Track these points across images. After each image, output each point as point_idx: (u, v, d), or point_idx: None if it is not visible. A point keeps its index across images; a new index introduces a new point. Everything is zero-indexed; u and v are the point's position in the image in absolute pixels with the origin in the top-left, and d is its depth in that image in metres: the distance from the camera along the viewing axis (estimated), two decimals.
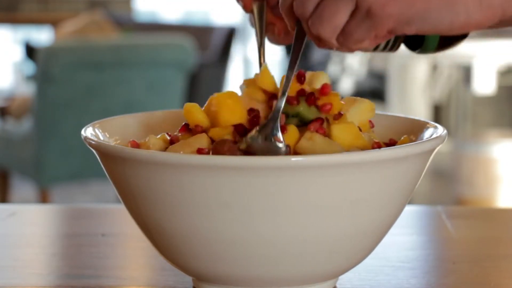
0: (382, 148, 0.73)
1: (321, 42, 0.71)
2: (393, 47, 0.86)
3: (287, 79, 0.74)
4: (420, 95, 4.03)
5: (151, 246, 0.76)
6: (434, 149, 0.73)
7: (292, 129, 0.73)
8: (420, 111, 4.00)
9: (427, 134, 0.79)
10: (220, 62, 4.36)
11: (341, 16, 0.68)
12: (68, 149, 3.29)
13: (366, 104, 0.78)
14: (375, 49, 0.86)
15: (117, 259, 0.93)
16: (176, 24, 5.24)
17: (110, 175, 0.74)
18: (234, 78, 6.04)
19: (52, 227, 1.10)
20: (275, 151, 0.71)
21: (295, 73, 0.75)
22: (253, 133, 0.72)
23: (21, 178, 3.77)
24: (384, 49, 0.86)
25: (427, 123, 0.81)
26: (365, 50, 0.86)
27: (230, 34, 4.44)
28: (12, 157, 3.53)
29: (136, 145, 0.78)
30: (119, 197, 0.75)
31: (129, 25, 4.76)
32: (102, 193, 4.28)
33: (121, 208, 0.78)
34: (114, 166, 0.73)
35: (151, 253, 0.87)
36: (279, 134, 0.72)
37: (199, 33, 4.53)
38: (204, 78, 4.13)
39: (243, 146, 0.72)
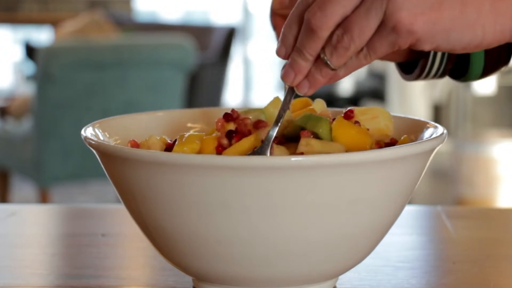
0: (382, 148, 0.73)
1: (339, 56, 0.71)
2: (440, 76, 0.87)
3: (282, 109, 0.74)
4: (420, 95, 4.03)
5: (151, 246, 0.76)
6: (434, 149, 0.73)
7: (279, 149, 0.73)
8: (420, 111, 4.00)
9: (427, 134, 0.79)
10: (220, 62, 4.36)
11: (370, 31, 0.68)
12: (68, 149, 3.29)
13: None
14: (425, 77, 0.87)
15: (117, 259, 0.93)
16: (176, 24, 5.24)
17: (110, 175, 0.74)
18: (234, 78, 6.04)
19: (52, 227, 1.10)
20: None
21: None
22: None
23: (21, 178, 3.77)
24: (432, 78, 0.87)
25: (427, 123, 0.81)
26: (411, 79, 0.88)
27: (230, 34, 4.44)
28: (12, 157, 3.53)
29: (136, 145, 0.78)
30: (119, 197, 0.75)
31: (129, 25, 4.76)
32: (102, 193, 4.28)
33: (121, 208, 0.78)
34: (114, 166, 0.73)
35: (151, 253, 0.88)
36: None
37: (199, 33, 4.53)
38: (204, 78, 4.13)
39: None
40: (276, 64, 6.25)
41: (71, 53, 3.25)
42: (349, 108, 0.78)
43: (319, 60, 0.70)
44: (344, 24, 0.68)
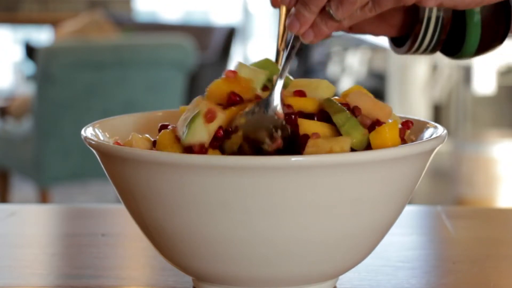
0: (382, 149, 0.73)
1: (344, 8, 0.71)
2: (432, 50, 0.86)
3: (288, 57, 0.74)
4: (420, 95, 4.03)
5: (151, 246, 0.76)
6: (434, 149, 0.73)
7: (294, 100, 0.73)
8: (420, 111, 4.01)
9: (427, 134, 0.79)
10: (220, 62, 4.36)
11: None
12: (68, 149, 3.29)
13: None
14: (416, 51, 0.86)
15: (117, 259, 0.93)
16: (176, 24, 5.24)
17: (110, 175, 0.74)
18: None
19: (52, 227, 1.10)
20: (271, 126, 0.72)
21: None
22: (252, 107, 0.73)
23: (21, 178, 3.77)
24: (423, 52, 0.86)
25: (427, 123, 0.81)
26: (401, 52, 0.86)
27: (230, 34, 4.44)
28: (12, 157, 3.53)
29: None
30: (119, 197, 0.75)
31: (129, 25, 4.76)
32: (102, 193, 4.28)
33: (121, 208, 0.78)
34: (114, 166, 0.73)
35: (151, 253, 0.88)
36: (279, 108, 0.73)
37: (199, 33, 4.53)
38: (204, 78, 4.13)
39: (240, 120, 0.72)
40: None
41: (71, 53, 3.25)
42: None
43: (324, 11, 0.71)
44: None
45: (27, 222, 1.08)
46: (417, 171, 0.73)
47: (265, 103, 0.73)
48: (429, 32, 0.84)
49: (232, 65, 4.69)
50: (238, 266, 0.71)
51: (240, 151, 0.72)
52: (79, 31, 3.94)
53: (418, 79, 4.06)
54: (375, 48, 4.52)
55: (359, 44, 4.69)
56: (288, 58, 0.74)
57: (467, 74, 3.72)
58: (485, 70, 3.64)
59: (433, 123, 0.80)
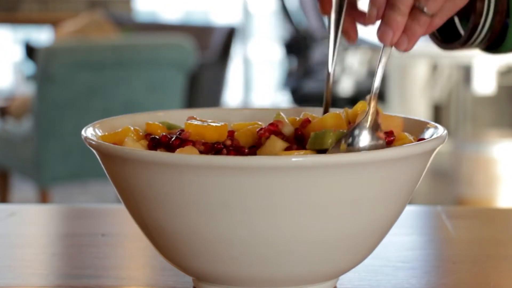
0: (382, 149, 0.73)
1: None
2: (484, 44, 0.84)
3: (378, 75, 0.73)
4: (420, 95, 4.03)
5: (151, 246, 0.76)
6: (434, 149, 0.73)
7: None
8: (420, 111, 4.00)
9: (427, 134, 0.79)
10: (220, 62, 4.36)
11: None
12: (68, 149, 3.29)
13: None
14: (471, 44, 0.84)
15: (117, 259, 0.93)
16: (176, 24, 5.24)
17: (110, 175, 0.74)
18: (234, 78, 6.04)
19: (52, 227, 1.10)
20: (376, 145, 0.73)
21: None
22: (349, 132, 0.73)
23: (21, 178, 3.77)
24: (477, 45, 0.84)
25: (427, 123, 0.81)
26: (454, 48, 0.84)
27: (230, 34, 4.44)
28: (12, 157, 3.53)
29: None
30: (119, 197, 0.75)
31: (129, 25, 4.76)
32: (102, 193, 4.28)
33: (121, 208, 0.78)
34: (114, 166, 0.73)
35: (151, 253, 0.87)
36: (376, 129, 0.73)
37: (199, 33, 4.53)
38: (204, 78, 4.13)
39: (343, 147, 0.72)
40: (276, 64, 6.25)
41: (71, 53, 3.25)
42: None
43: (413, 11, 0.69)
44: None
45: (27, 222, 1.08)
46: (417, 171, 0.73)
47: (363, 127, 0.73)
48: (487, 24, 0.82)
49: (232, 65, 4.67)
50: (238, 266, 0.71)
51: None
52: (79, 31, 3.94)
53: (418, 79, 4.06)
54: (375, 48, 4.52)
55: (359, 44, 4.68)
56: (379, 78, 0.73)
57: (467, 74, 3.72)
58: (485, 70, 3.64)
59: (433, 123, 0.80)
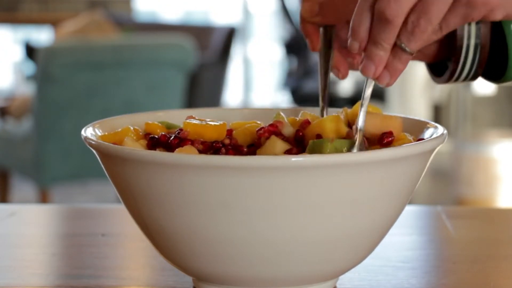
0: (382, 148, 0.74)
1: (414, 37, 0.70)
2: (473, 77, 0.85)
3: (362, 105, 0.75)
4: (420, 95, 4.03)
5: (151, 246, 0.76)
6: (434, 149, 0.73)
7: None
8: (420, 111, 4.01)
9: (427, 134, 0.79)
10: (220, 62, 4.36)
11: (445, 10, 0.69)
12: (68, 149, 3.29)
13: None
14: (456, 80, 0.86)
15: (117, 259, 0.93)
16: (176, 24, 5.24)
17: (110, 175, 0.74)
18: (234, 78, 6.04)
19: (52, 227, 1.10)
20: None
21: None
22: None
23: (21, 178, 3.77)
24: (464, 80, 0.86)
25: (427, 123, 0.81)
26: (441, 82, 0.86)
27: (230, 34, 4.44)
28: (12, 157, 3.53)
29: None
30: (119, 197, 0.75)
31: (129, 25, 4.76)
32: (102, 193, 4.28)
33: (121, 208, 0.78)
34: (114, 166, 0.73)
35: (151, 253, 0.88)
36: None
37: (199, 33, 4.53)
38: (204, 78, 4.13)
39: None
40: (276, 64, 6.25)
41: (71, 53, 3.25)
42: None
43: (395, 48, 0.70)
44: (419, 8, 0.68)
45: (27, 222, 1.08)
46: (417, 171, 0.73)
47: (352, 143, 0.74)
48: (469, 60, 0.83)
49: (232, 65, 4.67)
50: (238, 266, 0.71)
51: None
52: (79, 31, 3.94)
53: (418, 79, 4.06)
54: None
55: None
56: (363, 107, 0.75)
57: None
58: None
59: (433, 123, 0.80)
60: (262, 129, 0.77)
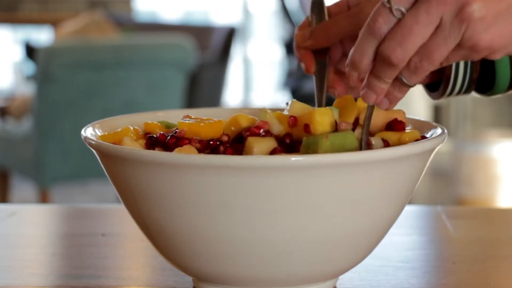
0: (382, 148, 0.74)
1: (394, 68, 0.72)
2: (466, 91, 0.87)
3: (366, 123, 0.76)
4: (420, 95, 4.03)
5: (151, 246, 0.76)
6: (434, 149, 0.73)
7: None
8: (420, 111, 4.01)
9: (427, 134, 0.79)
10: (220, 62, 4.36)
11: (447, 53, 0.70)
12: (68, 149, 3.29)
13: None
14: (449, 95, 0.88)
15: (117, 259, 0.93)
16: (176, 24, 5.24)
17: (110, 175, 0.74)
18: (234, 78, 6.04)
19: (52, 227, 1.10)
20: None
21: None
22: None
23: (21, 178, 3.77)
24: (457, 94, 0.87)
25: (427, 123, 0.81)
26: (436, 97, 0.88)
27: (230, 34, 4.44)
28: (12, 157, 3.53)
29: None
30: (119, 197, 0.75)
31: (129, 25, 4.76)
32: (102, 193, 4.28)
33: (121, 208, 0.78)
34: (114, 166, 0.73)
35: (151, 253, 0.88)
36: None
37: (199, 33, 4.53)
38: (204, 78, 4.13)
39: None
40: (276, 64, 6.25)
41: (71, 53, 3.25)
42: None
43: (396, 80, 0.73)
44: (422, 52, 0.70)
45: (27, 222, 1.08)
46: (417, 171, 0.73)
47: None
48: (460, 77, 0.86)
49: (232, 65, 4.66)
50: (238, 266, 0.71)
51: None
52: (79, 31, 3.94)
53: None
54: None
55: None
56: (366, 126, 0.76)
57: None
58: None
59: (433, 123, 0.80)
60: (249, 131, 0.76)
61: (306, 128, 0.75)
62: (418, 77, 0.72)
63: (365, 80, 0.73)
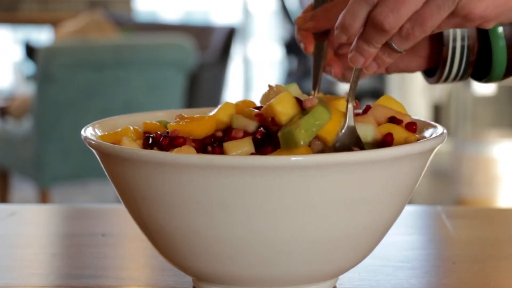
0: (382, 148, 0.74)
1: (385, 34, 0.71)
2: (463, 77, 0.88)
3: (352, 84, 0.76)
4: (420, 95, 4.03)
5: (151, 246, 0.76)
6: (434, 148, 0.73)
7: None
8: (420, 111, 4.01)
9: (427, 134, 0.79)
10: (220, 62, 4.36)
11: (440, 21, 0.70)
12: (68, 149, 3.29)
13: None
14: (445, 80, 0.88)
15: (117, 259, 0.93)
16: (176, 24, 5.24)
17: (110, 175, 0.74)
18: (234, 78, 6.04)
19: (52, 227, 1.10)
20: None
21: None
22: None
23: (21, 178, 3.77)
24: (454, 80, 0.88)
25: (427, 123, 0.81)
26: (432, 82, 0.88)
27: (230, 34, 4.44)
28: (12, 157, 3.53)
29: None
30: (119, 197, 0.75)
31: (129, 25, 4.76)
32: (102, 193, 4.28)
33: (121, 208, 0.78)
34: (114, 166, 0.73)
35: (151, 253, 0.88)
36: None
37: (199, 33, 4.53)
38: (204, 78, 4.13)
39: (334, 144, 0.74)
40: (276, 64, 6.24)
41: (71, 53, 3.25)
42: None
43: (385, 45, 0.72)
44: (415, 19, 0.70)
45: (27, 222, 1.08)
46: (417, 171, 0.73)
47: (345, 127, 0.75)
48: (456, 62, 0.86)
49: (232, 65, 4.66)
50: (238, 266, 0.71)
51: None
52: (79, 31, 3.94)
53: (418, 79, 4.06)
54: None
55: None
56: (353, 88, 0.76)
57: None
58: None
59: (433, 123, 0.80)
60: (228, 136, 0.76)
61: (273, 122, 0.75)
62: (409, 43, 0.71)
63: (354, 43, 0.73)
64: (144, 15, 6.43)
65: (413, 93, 4.01)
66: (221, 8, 6.67)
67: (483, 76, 0.88)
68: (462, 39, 0.86)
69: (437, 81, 0.90)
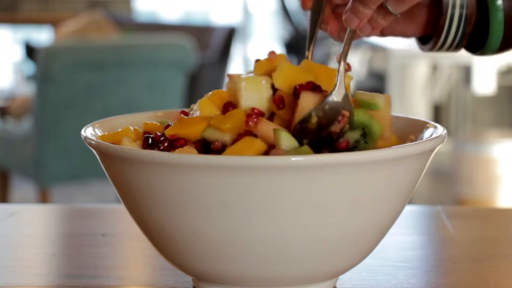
0: (382, 148, 0.74)
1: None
2: (457, 47, 0.87)
3: (346, 45, 0.75)
4: (420, 95, 4.03)
5: (151, 246, 0.76)
6: (434, 149, 0.73)
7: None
8: (420, 111, 4.01)
9: (427, 134, 0.79)
10: (220, 62, 4.36)
11: None
12: (68, 149, 3.29)
13: None
14: (440, 48, 0.88)
15: (117, 259, 0.93)
16: (176, 24, 5.24)
17: (110, 175, 0.74)
18: None
19: (52, 227, 1.10)
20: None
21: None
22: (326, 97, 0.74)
23: (21, 178, 3.77)
24: (448, 49, 0.87)
25: (427, 123, 0.81)
26: (426, 49, 0.88)
27: (230, 34, 4.44)
28: (12, 157, 3.53)
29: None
30: (119, 197, 0.75)
31: (129, 25, 4.76)
32: (102, 193, 4.28)
33: (121, 208, 0.78)
34: (114, 166, 0.73)
35: (151, 253, 0.88)
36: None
37: (199, 33, 4.53)
38: (204, 78, 4.13)
39: (314, 119, 0.74)
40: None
41: (71, 53, 3.25)
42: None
43: (380, 7, 0.72)
44: None
45: (27, 222, 1.08)
46: (417, 171, 0.73)
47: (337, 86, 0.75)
48: (453, 29, 0.86)
49: (232, 65, 4.65)
50: (238, 266, 0.71)
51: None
52: (79, 31, 3.94)
53: (418, 79, 4.06)
54: (375, 48, 4.52)
55: (359, 44, 4.69)
56: (345, 49, 0.75)
57: (467, 74, 3.72)
58: (485, 70, 3.64)
59: (433, 123, 0.80)
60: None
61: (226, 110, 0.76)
62: (405, 6, 0.71)
63: (349, 4, 0.73)
64: (144, 15, 6.43)
65: (413, 93, 4.01)
66: (221, 8, 6.67)
67: (478, 48, 0.88)
68: (461, 7, 0.85)
69: (431, 49, 0.90)
